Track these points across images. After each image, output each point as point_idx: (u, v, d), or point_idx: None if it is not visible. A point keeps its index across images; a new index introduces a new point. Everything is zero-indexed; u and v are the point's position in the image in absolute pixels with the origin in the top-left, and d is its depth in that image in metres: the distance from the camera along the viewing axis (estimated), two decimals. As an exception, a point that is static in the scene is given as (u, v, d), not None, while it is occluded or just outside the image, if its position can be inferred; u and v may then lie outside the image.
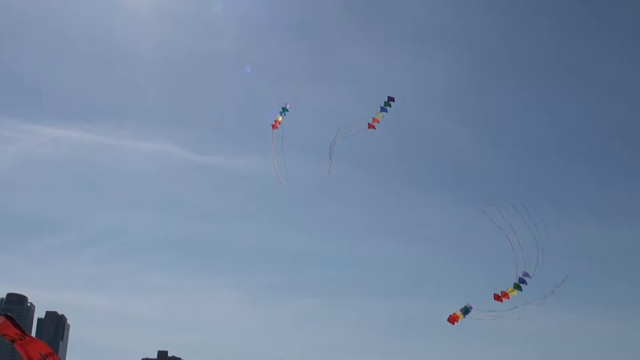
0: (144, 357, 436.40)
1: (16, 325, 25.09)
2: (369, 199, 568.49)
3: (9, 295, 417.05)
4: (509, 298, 36.10)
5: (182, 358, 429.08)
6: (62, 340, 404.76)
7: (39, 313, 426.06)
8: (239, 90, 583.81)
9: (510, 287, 36.34)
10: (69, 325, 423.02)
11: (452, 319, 36.86)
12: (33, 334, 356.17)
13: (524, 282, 36.05)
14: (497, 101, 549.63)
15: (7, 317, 25.22)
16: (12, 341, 25.31)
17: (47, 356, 25.46)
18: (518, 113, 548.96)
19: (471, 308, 36.58)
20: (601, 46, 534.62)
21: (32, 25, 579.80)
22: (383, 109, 40.40)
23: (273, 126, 38.53)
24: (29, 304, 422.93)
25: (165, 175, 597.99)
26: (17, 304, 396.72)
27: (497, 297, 36.35)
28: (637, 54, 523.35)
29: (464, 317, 36.57)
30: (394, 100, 40.37)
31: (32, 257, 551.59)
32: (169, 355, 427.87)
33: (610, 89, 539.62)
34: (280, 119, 38.54)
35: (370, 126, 40.81)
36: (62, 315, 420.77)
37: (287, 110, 38.92)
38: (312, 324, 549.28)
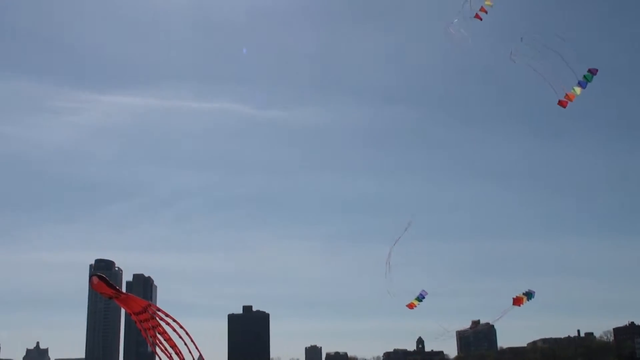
0: (230, 312, 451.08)
1: (109, 285, 25.55)
2: (430, 142, 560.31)
3: (97, 261, 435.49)
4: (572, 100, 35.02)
5: (266, 311, 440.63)
6: (152, 301, 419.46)
7: (126, 276, 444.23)
8: (296, 42, 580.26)
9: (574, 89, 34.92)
10: (156, 287, 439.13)
11: (411, 306, 45.56)
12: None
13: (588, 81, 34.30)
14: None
15: (99, 277, 26.07)
16: (110, 298, 25.95)
17: (146, 307, 26.33)
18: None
19: (425, 294, 44.83)
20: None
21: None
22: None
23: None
24: (116, 269, 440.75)
25: (228, 133, 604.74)
26: (105, 269, 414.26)
27: (561, 102, 35.26)
28: None
29: (419, 303, 44.58)
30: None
31: (111, 223, 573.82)
32: (254, 309, 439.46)
33: None
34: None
35: (477, 16, 39.27)
36: (149, 277, 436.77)
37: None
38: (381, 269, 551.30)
